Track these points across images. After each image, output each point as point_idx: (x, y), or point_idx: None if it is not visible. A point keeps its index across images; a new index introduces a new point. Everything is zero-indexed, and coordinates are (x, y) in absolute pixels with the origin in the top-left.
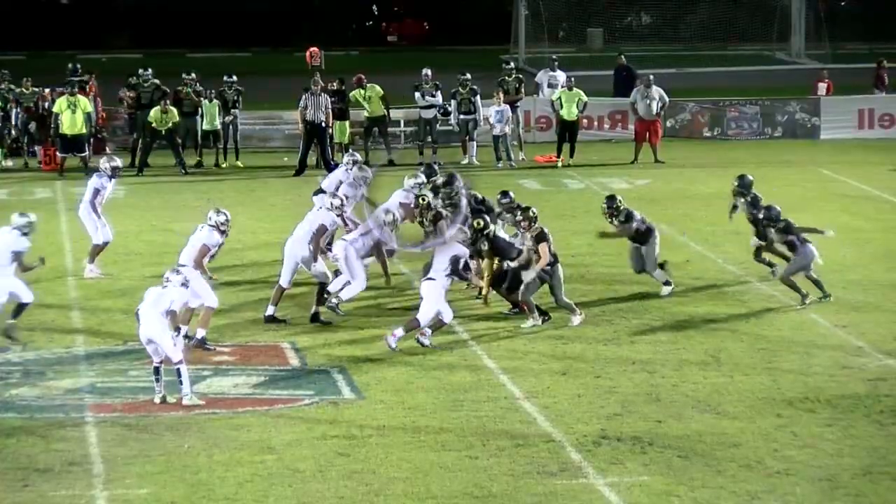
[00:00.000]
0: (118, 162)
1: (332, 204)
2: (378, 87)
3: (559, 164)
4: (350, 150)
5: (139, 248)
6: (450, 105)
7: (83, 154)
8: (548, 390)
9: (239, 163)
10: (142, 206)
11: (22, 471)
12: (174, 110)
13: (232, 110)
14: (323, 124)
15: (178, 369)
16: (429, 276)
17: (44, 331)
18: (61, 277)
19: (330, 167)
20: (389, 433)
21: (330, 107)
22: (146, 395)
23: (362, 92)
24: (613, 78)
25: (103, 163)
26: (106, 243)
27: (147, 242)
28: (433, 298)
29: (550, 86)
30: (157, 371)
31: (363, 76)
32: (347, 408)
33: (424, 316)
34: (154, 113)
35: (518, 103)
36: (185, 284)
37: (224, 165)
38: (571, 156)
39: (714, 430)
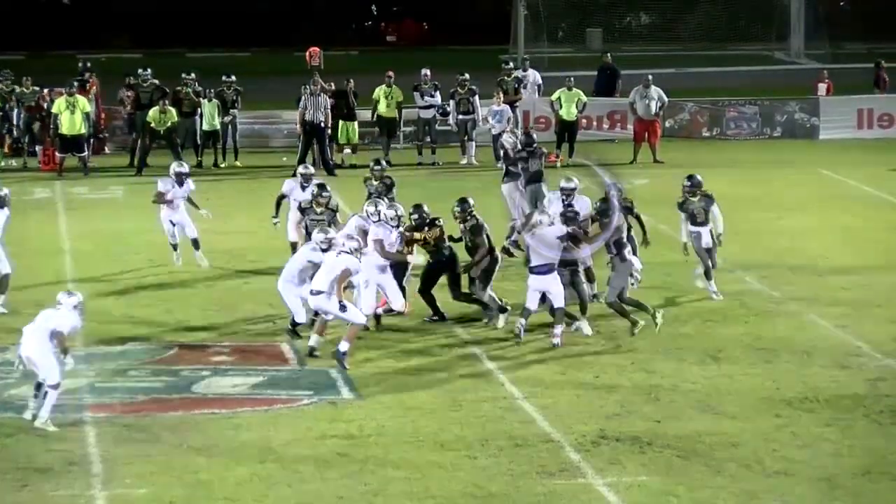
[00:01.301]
0: (185, 167)
1: (352, 248)
2: (399, 91)
3: (558, 163)
4: (370, 199)
5: (138, 247)
6: (448, 105)
7: (82, 154)
8: (547, 391)
9: (238, 163)
10: (141, 206)
11: (21, 471)
12: (173, 110)
13: (231, 110)
14: (322, 125)
15: (47, 392)
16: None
17: None
18: (61, 279)
19: (329, 167)
20: (388, 433)
21: (329, 107)
22: (145, 395)
23: (388, 90)
24: (596, 77)
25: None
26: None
27: (146, 242)
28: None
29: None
30: (38, 387)
31: (392, 74)
32: (346, 408)
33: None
34: (153, 113)
35: (517, 103)
36: (77, 307)
37: (223, 165)
38: (571, 155)
39: (713, 430)
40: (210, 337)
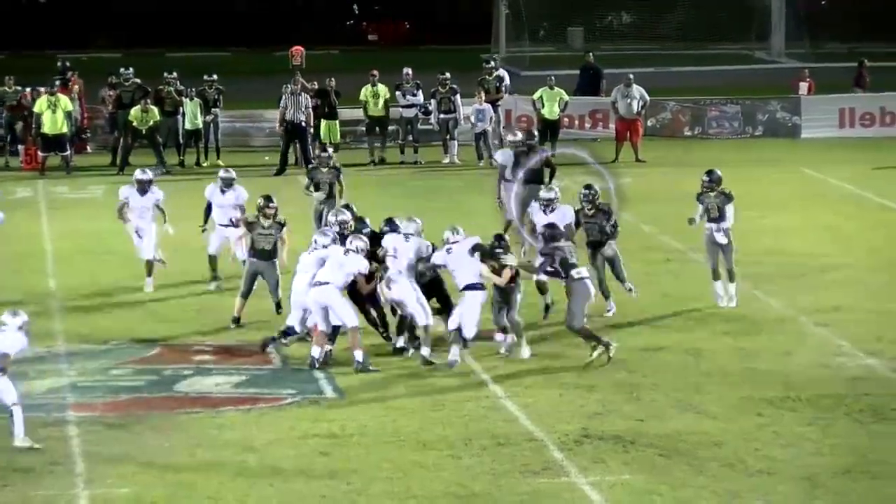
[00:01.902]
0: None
1: (357, 248)
2: (385, 88)
3: None
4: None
5: (118, 247)
6: (430, 104)
7: (65, 153)
8: (529, 390)
9: (220, 161)
10: None
11: (2, 470)
12: (155, 109)
13: (213, 109)
14: (303, 124)
15: (12, 411)
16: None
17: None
18: (42, 277)
19: (309, 164)
20: (371, 433)
21: (310, 106)
22: (127, 394)
23: (373, 90)
24: (578, 77)
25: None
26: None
27: (127, 242)
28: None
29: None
30: None
31: (377, 73)
32: (329, 407)
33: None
34: (135, 112)
35: (499, 102)
36: (22, 328)
37: (205, 164)
38: (553, 154)
39: (695, 430)
40: (193, 336)
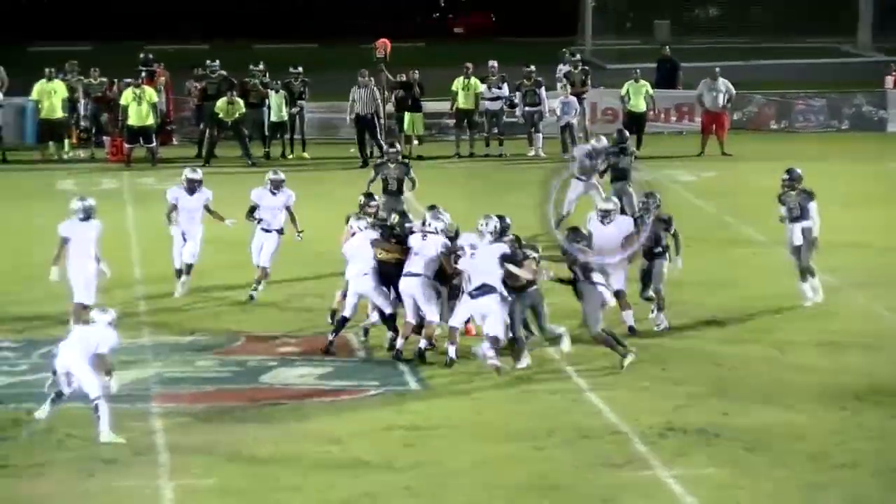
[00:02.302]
0: (198, 174)
1: (437, 228)
2: (477, 81)
3: None
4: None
5: (206, 238)
6: (516, 97)
7: (150, 145)
8: (613, 383)
9: (305, 154)
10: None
11: (89, 461)
12: (241, 101)
13: (298, 101)
14: (370, 116)
15: (97, 406)
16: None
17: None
18: (128, 268)
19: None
20: (455, 424)
21: (379, 99)
22: (212, 385)
23: (465, 82)
24: (656, 71)
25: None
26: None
27: (214, 234)
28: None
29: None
30: (58, 395)
31: (470, 66)
32: (413, 399)
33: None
34: (220, 104)
35: (584, 95)
36: (111, 324)
37: (290, 157)
38: (638, 147)
39: (780, 423)
40: (277, 328)
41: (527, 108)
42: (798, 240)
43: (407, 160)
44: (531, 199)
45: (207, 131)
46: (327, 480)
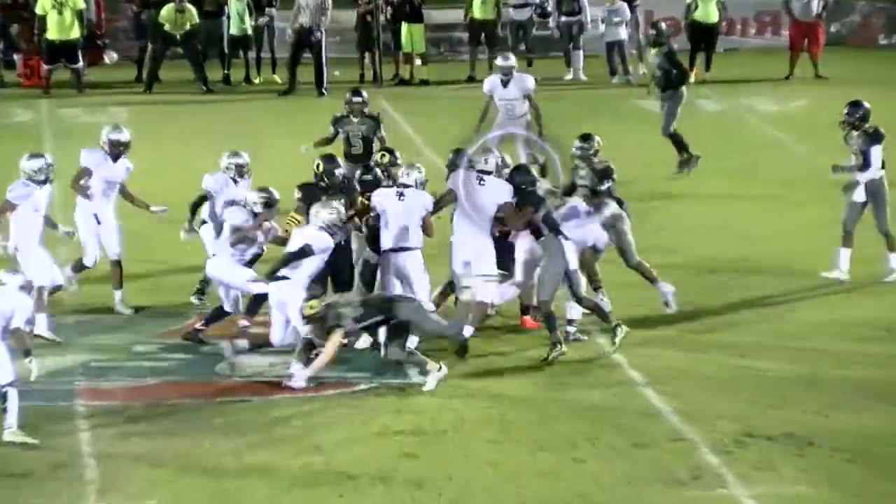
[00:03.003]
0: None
1: (416, 181)
2: None
3: (692, 78)
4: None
5: (151, 189)
6: (548, 4)
7: (76, 65)
8: (677, 376)
9: (276, 77)
10: (151, 135)
11: None
12: (193, 9)
13: (266, 10)
14: (317, 33)
15: (5, 393)
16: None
17: None
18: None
19: (322, 86)
20: (470, 428)
21: (329, 7)
22: (155, 377)
23: None
24: None
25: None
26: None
27: (160, 183)
28: None
29: None
30: None
31: None
32: (416, 395)
33: None
34: (167, 13)
35: (637, 1)
36: (24, 289)
37: (257, 81)
38: (707, 69)
39: (890, 427)
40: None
41: (563, 19)
42: (857, 195)
43: (377, 114)
44: (571, 138)
45: (150, 48)
46: (304, 500)
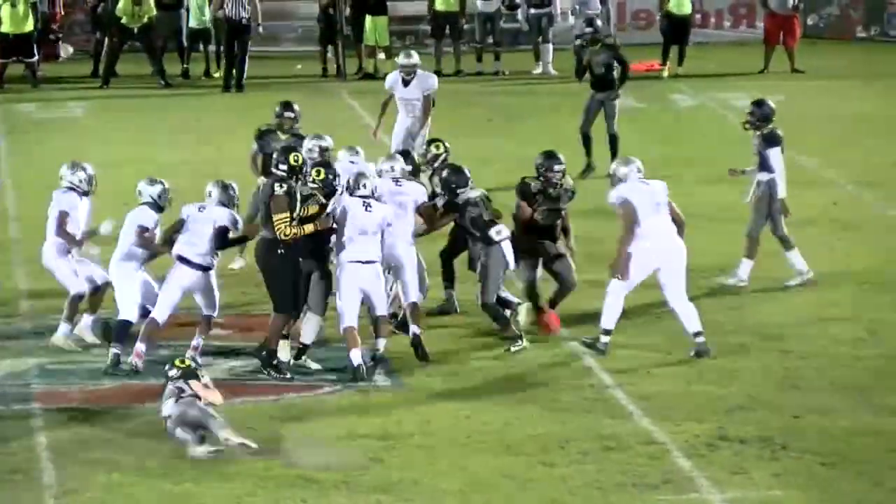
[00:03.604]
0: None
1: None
2: None
3: (664, 73)
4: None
5: (105, 186)
6: None
7: (31, 59)
8: (648, 376)
9: (233, 71)
10: (108, 130)
11: None
12: (150, 2)
13: (226, 2)
14: (244, 22)
15: None
16: None
17: None
18: (2, 224)
19: (240, 81)
20: (437, 432)
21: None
22: (112, 380)
23: None
24: None
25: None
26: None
27: (115, 181)
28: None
29: None
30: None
31: None
32: (381, 398)
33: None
34: (123, 5)
35: None
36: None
37: (217, 75)
38: (681, 63)
39: (870, 429)
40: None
41: (532, 11)
42: (746, 197)
43: (300, 132)
44: (541, 134)
45: (106, 41)
46: None
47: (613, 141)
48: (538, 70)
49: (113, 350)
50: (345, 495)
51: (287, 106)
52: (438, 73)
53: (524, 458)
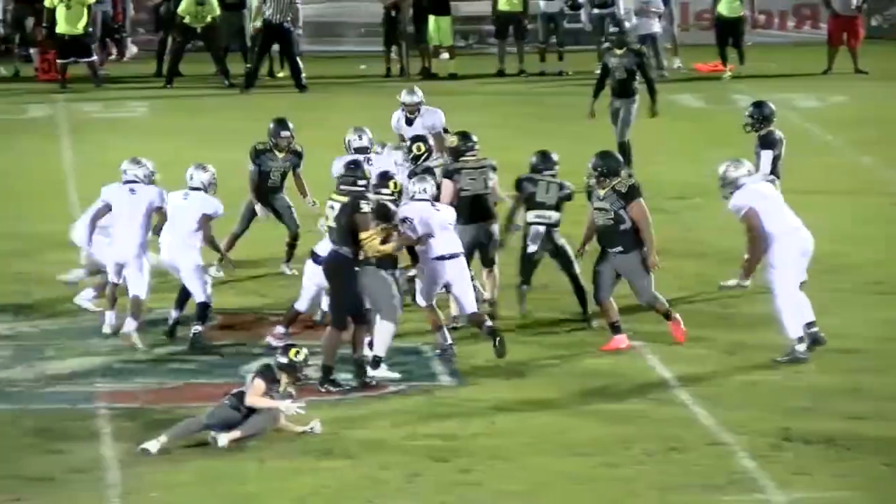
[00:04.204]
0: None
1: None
2: None
3: (727, 73)
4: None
5: (168, 184)
6: None
7: (89, 59)
8: (712, 376)
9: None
10: (170, 130)
11: (12, 480)
12: (213, 2)
13: (266, 7)
14: (286, 26)
15: None
16: None
17: (43, 294)
18: (64, 224)
19: (300, 81)
20: (502, 432)
21: (299, 2)
22: (176, 379)
23: None
24: None
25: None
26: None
27: (178, 178)
28: None
29: None
30: None
31: None
32: (445, 398)
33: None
34: (186, 5)
35: None
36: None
37: (280, 75)
38: (742, 62)
39: None
40: (263, 304)
41: (595, 11)
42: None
43: (298, 149)
44: (601, 134)
45: (169, 41)
46: None
47: (623, 149)
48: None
49: (195, 328)
50: (408, 496)
51: (281, 124)
52: (501, 72)
53: (587, 459)
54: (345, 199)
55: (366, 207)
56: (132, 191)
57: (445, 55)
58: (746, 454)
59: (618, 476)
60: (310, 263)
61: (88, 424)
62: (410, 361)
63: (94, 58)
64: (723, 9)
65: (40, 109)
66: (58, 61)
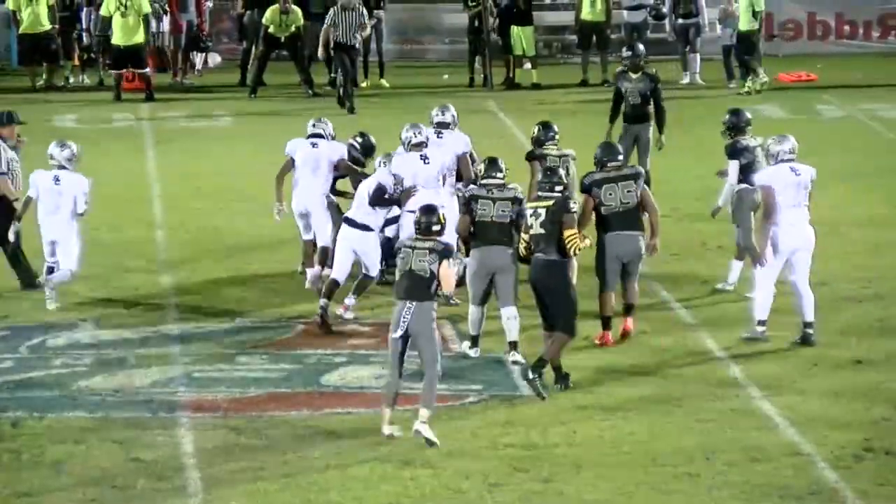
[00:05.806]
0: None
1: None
2: None
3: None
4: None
5: (253, 192)
6: (664, 4)
7: (142, 70)
8: (794, 386)
9: (384, 81)
10: (255, 138)
11: (94, 487)
12: (298, 11)
13: (374, 11)
14: (355, 45)
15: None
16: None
17: (126, 303)
18: (148, 231)
19: (350, 101)
20: (582, 442)
21: (367, 22)
22: (259, 388)
23: None
24: None
25: None
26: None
27: (262, 187)
28: None
29: None
30: None
31: None
32: (526, 407)
33: None
34: (271, 14)
35: None
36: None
37: (364, 85)
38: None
39: None
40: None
41: (679, 21)
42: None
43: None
44: (686, 141)
45: (253, 50)
46: None
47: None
48: (685, 80)
49: (322, 301)
50: (490, 502)
51: (365, 137)
52: (584, 82)
53: (669, 468)
54: (549, 203)
55: (574, 206)
56: (314, 145)
57: (528, 65)
58: (827, 465)
59: (699, 486)
60: (345, 228)
61: (170, 433)
62: (492, 370)
63: (148, 70)
64: (741, 25)
65: (124, 118)
66: (112, 72)
